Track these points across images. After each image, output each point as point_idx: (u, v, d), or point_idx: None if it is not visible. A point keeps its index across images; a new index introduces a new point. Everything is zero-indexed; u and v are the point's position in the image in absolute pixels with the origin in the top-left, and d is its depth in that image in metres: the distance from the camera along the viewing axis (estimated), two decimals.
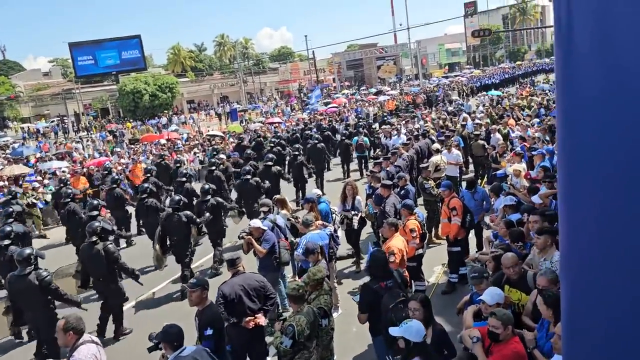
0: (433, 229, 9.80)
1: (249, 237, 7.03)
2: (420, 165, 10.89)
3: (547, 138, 11.58)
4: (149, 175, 13.73)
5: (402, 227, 6.95)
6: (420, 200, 10.51)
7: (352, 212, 8.66)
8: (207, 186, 10.08)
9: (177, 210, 8.74)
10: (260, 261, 7.19)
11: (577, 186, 1.56)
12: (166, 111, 50.67)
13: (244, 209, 10.86)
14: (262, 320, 5.51)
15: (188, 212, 8.86)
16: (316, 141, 15.57)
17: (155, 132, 36.88)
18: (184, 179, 11.70)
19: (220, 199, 10.14)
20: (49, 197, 15.76)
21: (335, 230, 8.23)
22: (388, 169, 10.65)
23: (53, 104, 58.35)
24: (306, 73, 68.77)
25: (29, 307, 6.55)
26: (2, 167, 23.00)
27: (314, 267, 5.47)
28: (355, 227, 8.70)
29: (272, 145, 16.80)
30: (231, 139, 24.76)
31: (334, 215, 8.48)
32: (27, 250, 6.63)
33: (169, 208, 9.09)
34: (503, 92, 31.15)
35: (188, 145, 24.51)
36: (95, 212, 9.11)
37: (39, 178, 18.18)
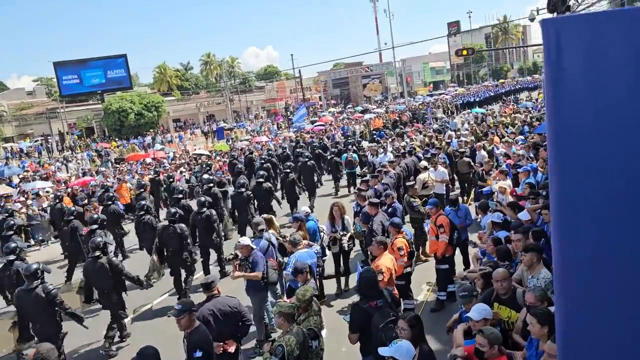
0: (420, 247, 9.82)
1: (238, 269, 6.93)
2: (407, 183, 10.95)
3: (532, 155, 11.73)
4: (142, 190, 14.10)
5: (390, 245, 6.95)
6: (407, 218, 10.53)
7: (342, 233, 8.63)
8: (203, 198, 10.47)
9: (173, 222, 9.09)
10: (247, 281, 7.11)
11: (569, 205, 1.59)
12: (152, 130, 50.45)
13: (237, 220, 11.46)
14: (231, 347, 5.38)
15: (183, 225, 9.19)
16: (307, 159, 15.81)
17: (141, 151, 36.66)
18: (180, 195, 12.00)
19: (214, 212, 10.49)
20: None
21: (323, 248, 8.21)
22: (376, 186, 10.68)
23: (37, 123, 57.70)
24: (292, 91, 69.21)
25: (36, 320, 6.73)
26: None
27: (301, 287, 5.42)
28: (346, 248, 8.66)
29: (262, 162, 17.10)
30: (218, 158, 24.68)
31: (321, 233, 8.47)
32: (34, 265, 6.86)
33: (165, 220, 9.44)
34: (487, 110, 31.56)
35: (174, 164, 24.38)
36: (95, 226, 9.39)
37: (22, 198, 17.93)
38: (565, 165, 1.61)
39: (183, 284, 9.08)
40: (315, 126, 35.08)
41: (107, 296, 7.66)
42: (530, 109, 26.35)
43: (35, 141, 51.28)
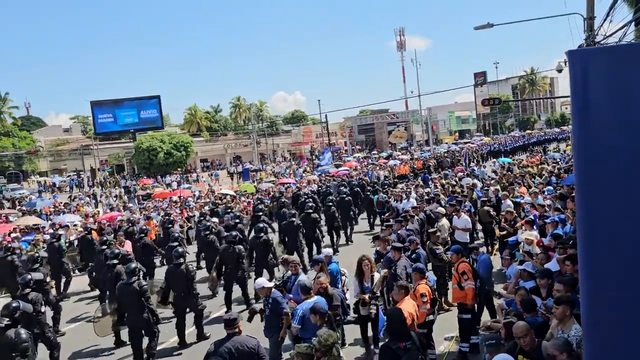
0: (443, 296, 9.58)
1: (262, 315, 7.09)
2: (429, 230, 10.81)
3: (559, 206, 11.50)
4: (202, 219, 16.16)
5: (412, 292, 6.82)
6: (429, 266, 10.33)
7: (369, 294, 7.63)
8: (261, 225, 11.79)
9: (232, 243, 10.45)
10: (266, 321, 7.04)
11: (596, 230, 1.60)
12: (179, 169, 51.47)
13: (287, 246, 12.68)
14: None
15: (241, 247, 10.63)
16: (344, 195, 17.58)
17: (168, 189, 37.36)
18: (237, 220, 13.90)
19: (270, 237, 11.89)
20: None
21: (344, 294, 8.05)
22: (400, 232, 10.58)
23: (71, 159, 59.76)
24: (318, 136, 70.02)
25: (130, 310, 8.08)
26: (17, 218, 23.42)
27: (325, 332, 5.29)
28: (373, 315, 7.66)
29: (305, 197, 18.95)
30: (243, 198, 24.91)
31: (343, 277, 8.36)
32: (133, 264, 8.41)
33: (225, 243, 10.81)
34: (513, 160, 31.28)
35: (199, 203, 24.69)
36: (176, 243, 10.61)
37: (51, 230, 18.34)
38: (592, 190, 1.62)
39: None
40: (340, 170, 35.29)
41: (183, 298, 8.87)
42: (558, 160, 26.00)
43: (68, 176, 52.85)
